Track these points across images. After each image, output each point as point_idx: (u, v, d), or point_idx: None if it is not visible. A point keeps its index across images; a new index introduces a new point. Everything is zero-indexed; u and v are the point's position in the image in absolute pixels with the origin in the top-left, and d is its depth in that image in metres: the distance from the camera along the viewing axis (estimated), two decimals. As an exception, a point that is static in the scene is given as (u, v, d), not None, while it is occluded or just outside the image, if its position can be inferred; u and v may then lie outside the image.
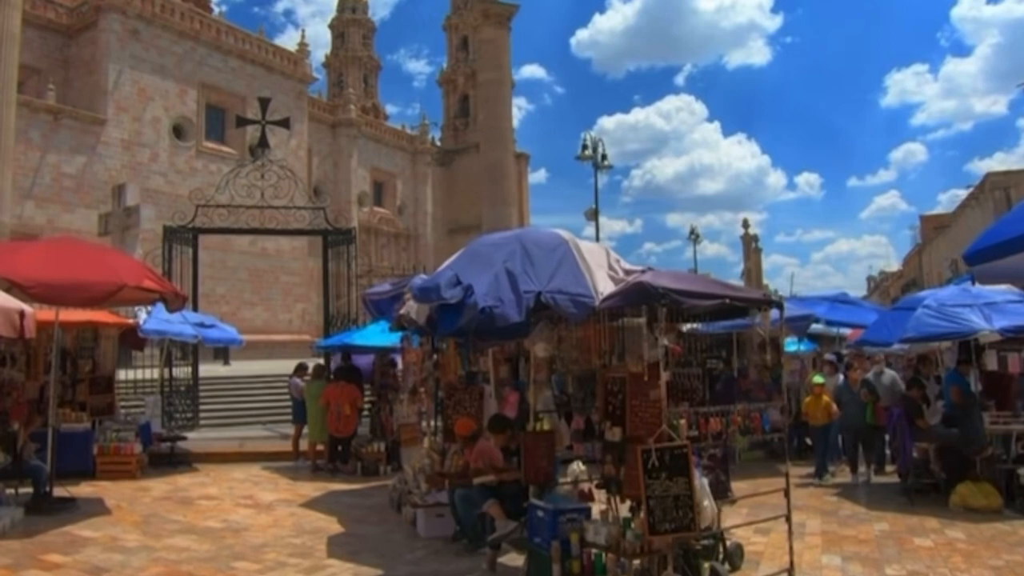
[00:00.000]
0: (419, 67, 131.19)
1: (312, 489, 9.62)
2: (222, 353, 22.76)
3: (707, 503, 5.07)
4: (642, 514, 4.87)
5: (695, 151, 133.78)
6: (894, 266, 67.43)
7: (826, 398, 10.04)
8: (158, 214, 28.58)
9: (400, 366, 10.19)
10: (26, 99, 33.55)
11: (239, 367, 21.10)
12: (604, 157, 25.14)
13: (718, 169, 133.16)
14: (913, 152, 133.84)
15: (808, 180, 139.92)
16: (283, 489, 9.65)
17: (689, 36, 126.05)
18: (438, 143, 59.31)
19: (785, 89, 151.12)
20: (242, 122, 14.19)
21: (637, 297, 5.12)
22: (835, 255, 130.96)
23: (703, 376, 5.92)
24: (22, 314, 6.17)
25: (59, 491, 8.37)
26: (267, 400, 15.11)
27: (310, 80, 46.72)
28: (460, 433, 7.01)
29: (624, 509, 6.00)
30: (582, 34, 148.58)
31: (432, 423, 9.09)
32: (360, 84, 60.20)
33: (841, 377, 10.86)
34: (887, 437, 9.85)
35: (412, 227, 55.47)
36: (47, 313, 8.28)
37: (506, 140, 15.77)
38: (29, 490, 8.31)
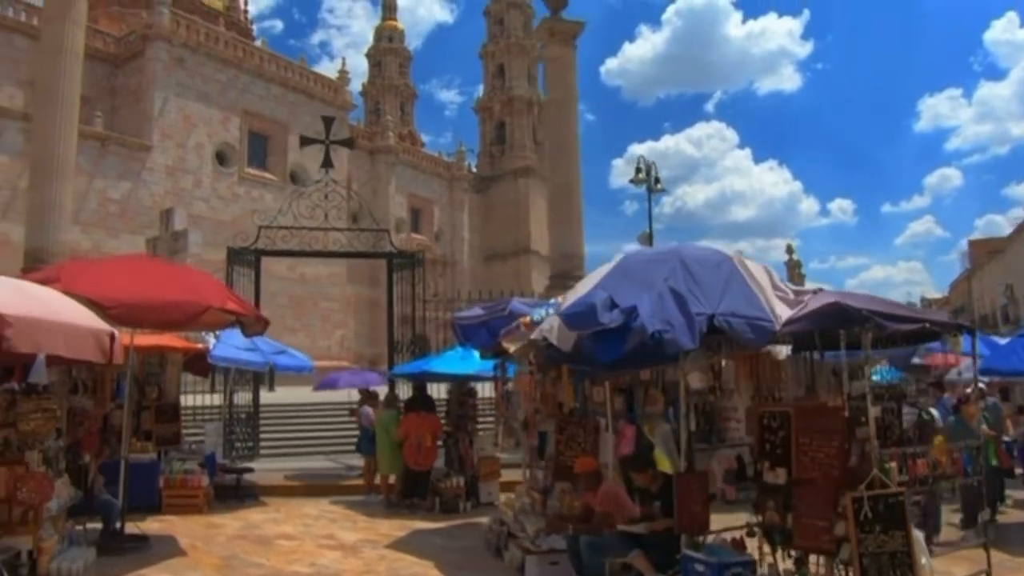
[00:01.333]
0: (450, 96, 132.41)
1: (393, 527, 8.89)
2: (264, 379, 22.19)
3: (924, 561, 4.27)
4: (852, 574, 4.08)
5: (726, 178, 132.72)
6: (935, 292, 65.47)
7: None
8: (202, 239, 28.50)
9: (498, 393, 9.40)
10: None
11: (285, 393, 20.52)
12: (657, 180, 24.54)
13: (750, 196, 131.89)
14: (948, 177, 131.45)
15: (841, 206, 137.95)
16: (362, 528, 8.94)
17: (719, 63, 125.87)
18: (474, 170, 59.16)
19: (817, 115, 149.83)
20: (306, 141, 13.71)
21: (832, 321, 4.40)
22: (870, 282, 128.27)
23: (897, 411, 5.12)
24: (112, 337, 5.60)
25: (129, 527, 7.76)
26: (327, 429, 14.46)
27: (350, 107, 46.92)
28: (582, 472, 6.27)
29: (788, 562, 5.23)
30: (612, 63, 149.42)
31: (529, 459, 8.34)
32: (396, 112, 60.49)
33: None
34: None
35: (449, 254, 55.09)
36: (122, 336, 7.74)
37: (573, 160, 15.15)
38: (98, 525, 7.73)
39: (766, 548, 5.43)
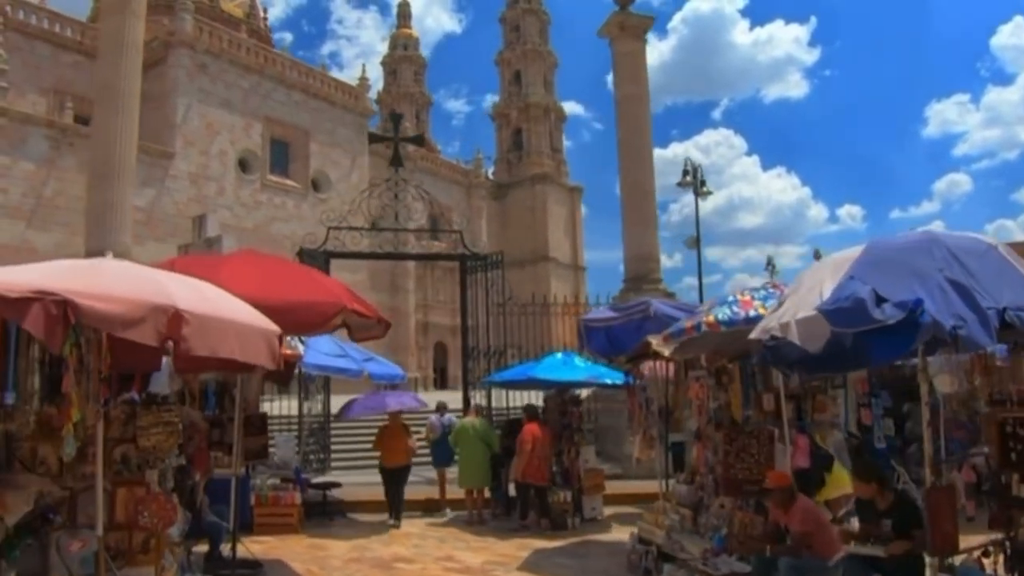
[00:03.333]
0: (458, 106, 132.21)
1: (511, 547, 8.25)
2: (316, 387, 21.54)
3: None
4: None
5: (734, 184, 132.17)
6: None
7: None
8: (235, 246, 27.91)
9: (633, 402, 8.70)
10: (98, 133, 33.44)
11: (341, 402, 19.81)
12: (703, 183, 23.97)
13: (758, 202, 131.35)
14: (957, 182, 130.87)
15: (850, 212, 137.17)
16: (477, 547, 8.29)
17: (725, 71, 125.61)
18: (491, 177, 58.66)
19: (824, 122, 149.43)
20: (375, 139, 13.15)
21: None
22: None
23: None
24: (280, 339, 4.98)
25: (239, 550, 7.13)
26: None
27: (370, 114, 46.49)
28: (775, 486, 5.63)
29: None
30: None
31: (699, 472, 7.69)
32: (412, 119, 60.01)
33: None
34: None
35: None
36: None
37: (646, 159, 14.57)
38: (194, 547, 7.10)
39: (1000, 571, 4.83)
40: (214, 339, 4.15)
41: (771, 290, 5.98)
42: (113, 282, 3.91)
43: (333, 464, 12.54)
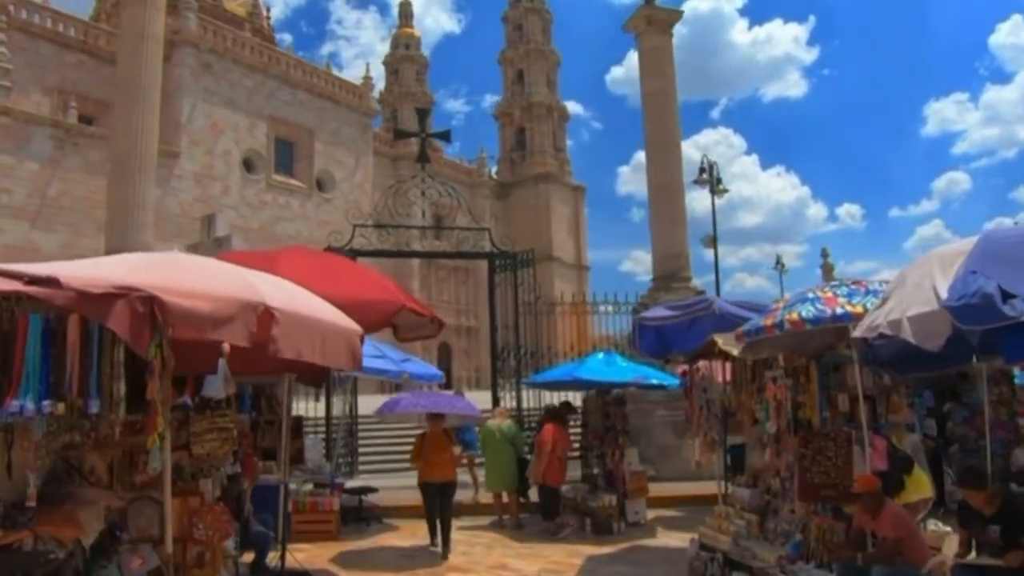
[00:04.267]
0: (457, 106, 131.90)
1: (560, 553, 7.98)
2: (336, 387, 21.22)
3: None
4: None
5: (733, 183, 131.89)
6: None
7: None
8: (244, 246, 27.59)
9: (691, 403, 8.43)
10: (103, 132, 33.12)
11: (363, 402, 19.49)
12: (719, 181, 23.75)
13: (757, 201, 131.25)
14: (956, 181, 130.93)
15: (849, 211, 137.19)
16: (525, 554, 8.02)
17: (724, 70, 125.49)
18: (494, 176, 58.40)
19: (823, 121, 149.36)
20: (401, 135, 12.82)
21: None
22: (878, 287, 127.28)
23: None
24: (362, 339, 4.73)
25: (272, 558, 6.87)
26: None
27: (374, 113, 46.25)
28: (865, 490, 5.38)
29: None
30: (617, 71, 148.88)
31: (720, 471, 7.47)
32: (414, 119, 59.66)
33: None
34: None
35: (471, 260, 54.25)
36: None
37: (674, 156, 14.32)
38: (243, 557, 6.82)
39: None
40: (301, 339, 3.89)
41: (853, 287, 5.73)
42: (197, 277, 3.64)
43: (360, 468, 12.27)
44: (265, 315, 3.55)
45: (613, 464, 9.35)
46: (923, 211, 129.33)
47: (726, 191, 24.15)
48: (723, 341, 6.62)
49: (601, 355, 9.78)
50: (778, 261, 37.96)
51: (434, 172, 55.08)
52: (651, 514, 9.82)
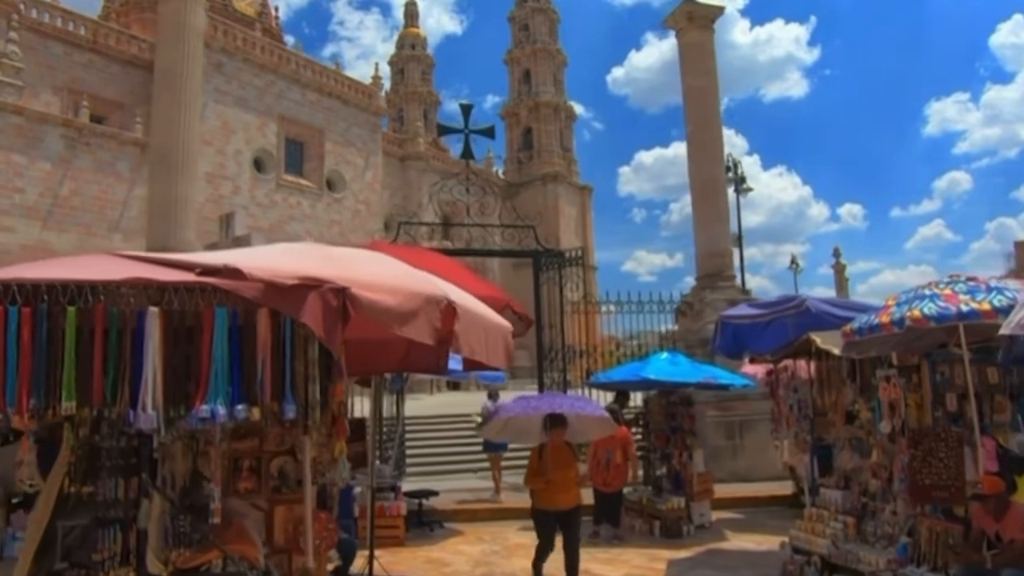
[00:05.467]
0: (457, 107, 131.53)
1: (639, 558, 7.82)
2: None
3: None
4: None
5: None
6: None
7: None
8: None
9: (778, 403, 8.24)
10: (114, 132, 32.94)
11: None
12: (743, 180, 23.63)
13: (759, 201, 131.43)
14: (957, 181, 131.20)
15: (851, 211, 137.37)
16: (603, 559, 7.83)
17: (726, 70, 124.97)
18: (501, 176, 58.23)
19: (825, 121, 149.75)
20: (444, 130, 12.62)
21: None
22: (880, 286, 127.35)
23: None
24: (512, 335, 4.52)
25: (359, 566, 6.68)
26: (462, 443, 13.33)
27: (383, 113, 46.05)
28: (992, 492, 5.22)
29: None
30: (618, 71, 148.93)
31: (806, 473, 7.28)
32: (420, 119, 59.61)
33: None
34: None
35: (480, 260, 54.02)
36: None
37: (717, 153, 14.16)
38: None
39: None
40: (474, 337, 3.69)
41: (971, 283, 5.56)
42: (372, 268, 3.43)
43: (408, 470, 12.07)
44: (448, 310, 3.35)
45: (680, 465, 9.17)
46: (924, 211, 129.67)
47: (750, 190, 24.01)
48: (821, 340, 6.45)
49: (665, 354, 9.62)
50: (793, 261, 37.93)
51: (441, 171, 54.64)
52: (712, 516, 9.67)
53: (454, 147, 62.70)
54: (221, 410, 2.96)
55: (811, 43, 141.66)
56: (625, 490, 9.54)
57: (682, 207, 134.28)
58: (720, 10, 14.57)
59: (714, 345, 7.68)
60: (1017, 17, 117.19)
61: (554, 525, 6.23)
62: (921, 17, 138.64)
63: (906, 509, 6.17)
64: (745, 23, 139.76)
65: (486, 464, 12.03)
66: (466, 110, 13.22)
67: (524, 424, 6.38)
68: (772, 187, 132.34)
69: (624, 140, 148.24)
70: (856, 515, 6.67)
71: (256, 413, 3.11)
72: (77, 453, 3.27)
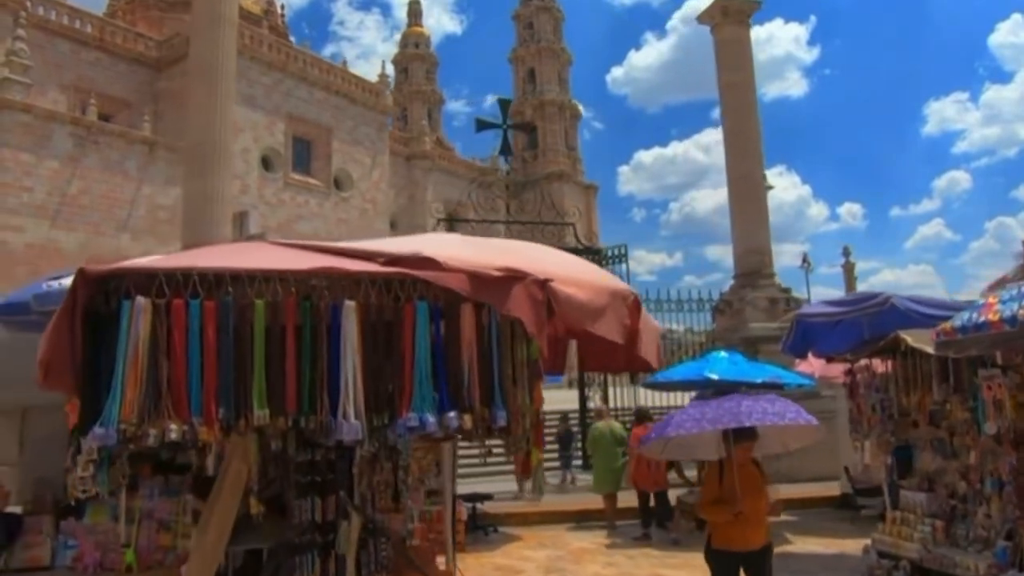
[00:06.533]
0: (458, 107, 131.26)
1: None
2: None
3: None
4: None
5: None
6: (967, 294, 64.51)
7: None
8: (274, 246, 27.13)
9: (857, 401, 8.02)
10: (123, 130, 32.65)
11: None
12: (763, 177, 23.46)
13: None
14: (957, 180, 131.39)
15: (851, 210, 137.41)
16: (673, 564, 7.61)
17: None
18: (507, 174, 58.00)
19: (824, 120, 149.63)
20: (483, 126, 12.35)
21: None
22: (880, 285, 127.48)
23: None
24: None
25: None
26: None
27: (390, 112, 45.81)
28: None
29: None
30: (617, 71, 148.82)
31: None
32: (424, 118, 59.39)
33: None
34: None
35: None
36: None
37: (755, 149, 13.99)
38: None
39: None
40: (649, 335, 3.45)
41: (1084, 279, 5.39)
42: (551, 259, 3.21)
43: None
44: (635, 306, 3.14)
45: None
46: (924, 210, 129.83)
47: (771, 188, 23.83)
48: (913, 338, 6.27)
49: (724, 353, 9.43)
50: (804, 259, 37.73)
51: (446, 169, 54.39)
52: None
53: (459, 146, 62.64)
54: (430, 418, 2.71)
55: (811, 43, 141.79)
56: (680, 492, 9.39)
57: (681, 206, 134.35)
58: (756, 4, 14.40)
59: (786, 344, 7.48)
60: (1016, 17, 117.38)
61: (738, 569, 4.63)
62: (920, 17, 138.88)
63: (1003, 512, 6.00)
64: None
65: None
66: (504, 105, 13.04)
67: (690, 438, 4.77)
68: (772, 186, 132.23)
69: (624, 140, 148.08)
70: (945, 518, 6.50)
71: (468, 421, 2.85)
72: (261, 469, 3.00)
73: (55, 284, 4.89)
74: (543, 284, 2.71)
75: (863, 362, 7.34)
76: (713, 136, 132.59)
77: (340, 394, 2.58)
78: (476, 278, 2.62)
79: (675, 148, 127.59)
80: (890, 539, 6.71)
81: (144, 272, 2.49)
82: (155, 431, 2.41)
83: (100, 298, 2.46)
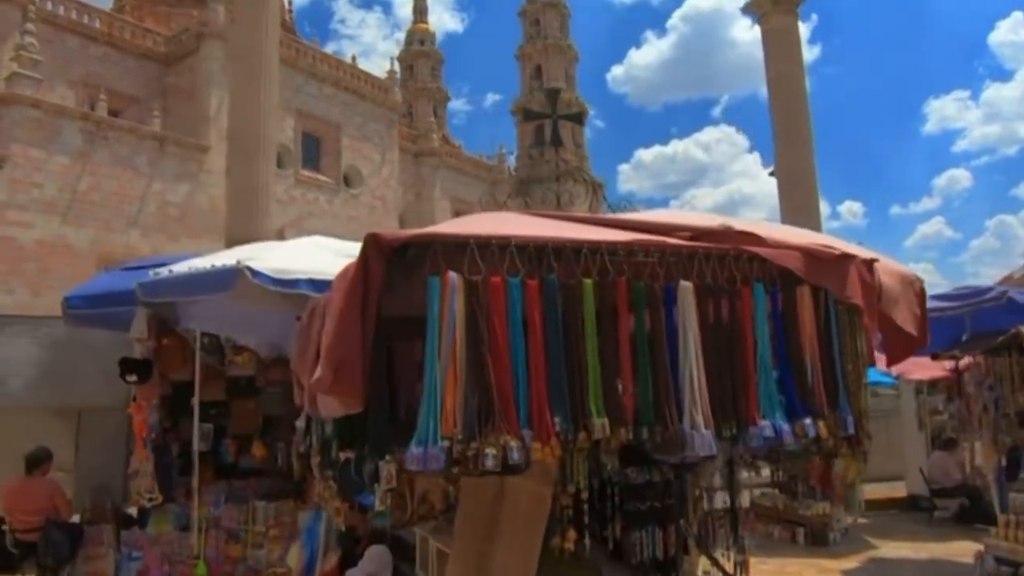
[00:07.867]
0: (458, 105, 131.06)
1: (809, 570, 7.29)
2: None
3: None
4: None
5: (735, 181, 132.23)
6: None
7: None
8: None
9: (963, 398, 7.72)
10: (133, 125, 32.21)
11: None
12: (772, 174, 23.23)
13: (760, 199, 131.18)
14: (957, 179, 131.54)
15: (851, 208, 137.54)
16: (766, 571, 7.29)
17: (724, 68, 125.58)
18: (513, 173, 57.68)
19: (824, 119, 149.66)
20: (532, 116, 11.90)
21: None
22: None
23: None
24: None
25: None
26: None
27: (399, 109, 45.40)
28: None
29: None
30: (618, 70, 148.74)
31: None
32: (430, 115, 58.99)
33: None
34: None
35: (493, 259, 53.51)
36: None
37: (805, 143, 13.68)
38: None
39: None
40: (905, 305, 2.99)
41: None
42: (818, 239, 2.79)
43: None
44: (922, 292, 2.78)
45: (822, 469, 8.65)
46: (924, 209, 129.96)
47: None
48: (1042, 333, 5.96)
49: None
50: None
51: (454, 167, 54.14)
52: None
53: (467, 143, 62.26)
54: (784, 426, 2.31)
55: (811, 41, 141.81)
56: (754, 493, 9.07)
57: (682, 204, 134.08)
58: (804, -7, 14.08)
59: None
60: (1016, 15, 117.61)
61: None
62: (920, 15, 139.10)
63: None
64: (746, 21, 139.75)
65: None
66: (552, 95, 12.69)
67: None
68: (772, 185, 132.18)
69: (624, 138, 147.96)
70: (1066, 522, 6.18)
71: (824, 429, 2.45)
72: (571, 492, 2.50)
73: (164, 271, 4.52)
74: (871, 265, 2.36)
75: (967, 360, 7.02)
76: (713, 135, 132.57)
77: (684, 397, 2.18)
78: (812, 257, 2.26)
79: (675, 146, 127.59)
80: (1007, 544, 6.37)
81: (453, 240, 2.05)
82: (493, 450, 1.95)
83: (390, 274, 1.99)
